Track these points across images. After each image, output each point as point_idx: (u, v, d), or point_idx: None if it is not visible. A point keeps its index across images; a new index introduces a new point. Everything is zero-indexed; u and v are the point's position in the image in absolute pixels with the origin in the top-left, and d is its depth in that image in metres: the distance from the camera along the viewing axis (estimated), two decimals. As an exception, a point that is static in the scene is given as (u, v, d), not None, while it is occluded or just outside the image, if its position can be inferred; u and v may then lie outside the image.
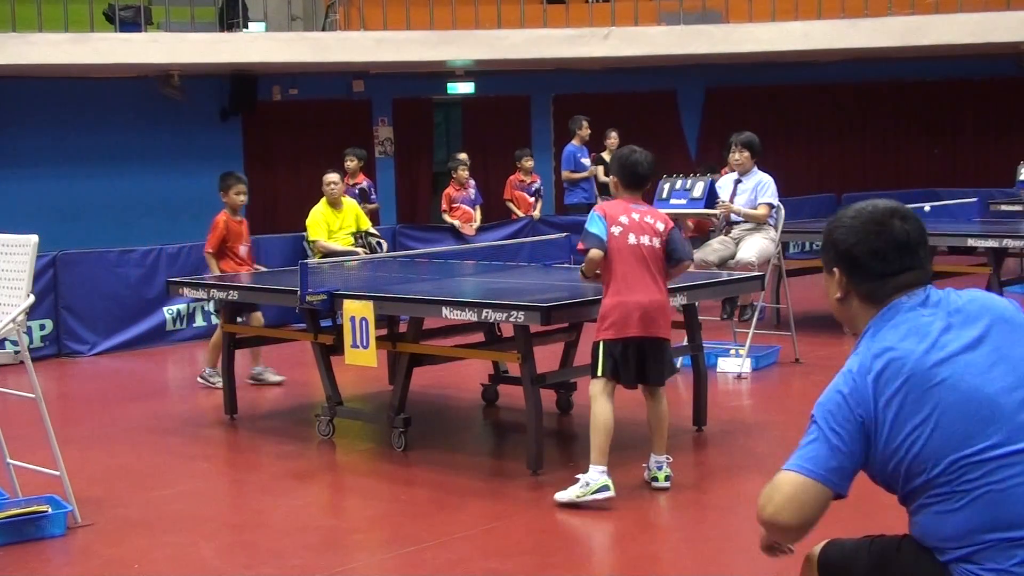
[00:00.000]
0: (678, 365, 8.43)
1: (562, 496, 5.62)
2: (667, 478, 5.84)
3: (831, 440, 2.55)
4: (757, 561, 5.11)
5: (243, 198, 8.81)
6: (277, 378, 8.82)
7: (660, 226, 5.77)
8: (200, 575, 4.98)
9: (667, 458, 5.89)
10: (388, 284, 7.50)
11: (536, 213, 13.30)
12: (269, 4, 15.02)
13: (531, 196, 13.39)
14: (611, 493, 5.56)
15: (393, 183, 16.38)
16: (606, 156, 13.93)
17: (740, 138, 8.83)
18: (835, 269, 2.73)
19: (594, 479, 5.57)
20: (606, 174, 13.86)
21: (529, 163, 13.49)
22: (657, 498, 5.76)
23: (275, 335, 8.53)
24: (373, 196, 12.80)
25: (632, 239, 5.68)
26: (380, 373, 8.01)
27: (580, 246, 5.77)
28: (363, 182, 12.72)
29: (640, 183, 5.86)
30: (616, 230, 5.67)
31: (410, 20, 14.51)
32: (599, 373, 5.70)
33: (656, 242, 5.74)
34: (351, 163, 12.59)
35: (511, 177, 13.57)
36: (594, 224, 5.71)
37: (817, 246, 14.09)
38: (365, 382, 8.38)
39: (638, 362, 5.72)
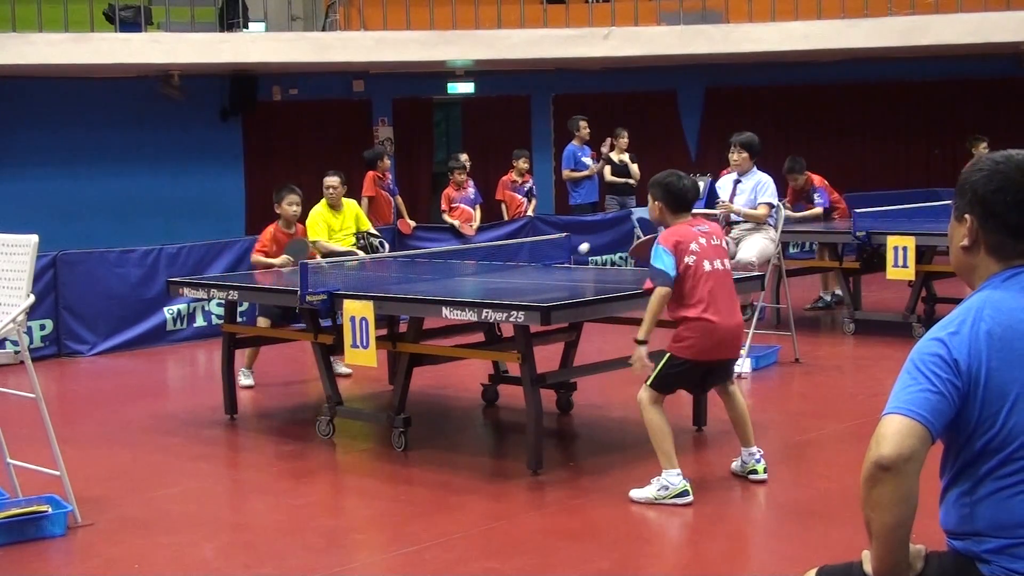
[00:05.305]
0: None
1: (638, 494, 5.61)
2: (765, 469, 5.85)
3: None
4: (756, 560, 5.13)
5: (295, 208, 8.74)
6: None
7: (723, 244, 5.90)
8: (200, 575, 4.99)
9: (759, 450, 5.90)
10: (388, 284, 7.50)
11: (530, 211, 13.28)
12: (269, 4, 15.03)
13: (522, 196, 13.37)
14: (690, 499, 5.54)
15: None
16: (614, 156, 13.88)
17: (739, 138, 8.88)
18: (967, 216, 2.54)
19: (674, 483, 5.55)
20: (613, 173, 13.87)
21: (524, 164, 13.43)
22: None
23: (275, 335, 8.53)
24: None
25: (707, 266, 5.66)
26: (380, 373, 8.01)
27: (647, 284, 5.68)
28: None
29: (688, 207, 5.85)
30: (690, 260, 5.62)
31: (410, 20, 14.52)
32: (651, 384, 5.66)
33: (727, 263, 5.83)
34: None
35: (504, 177, 13.54)
36: (660, 259, 5.61)
37: (816, 247, 14.17)
38: (365, 382, 8.38)
39: (702, 376, 5.80)
